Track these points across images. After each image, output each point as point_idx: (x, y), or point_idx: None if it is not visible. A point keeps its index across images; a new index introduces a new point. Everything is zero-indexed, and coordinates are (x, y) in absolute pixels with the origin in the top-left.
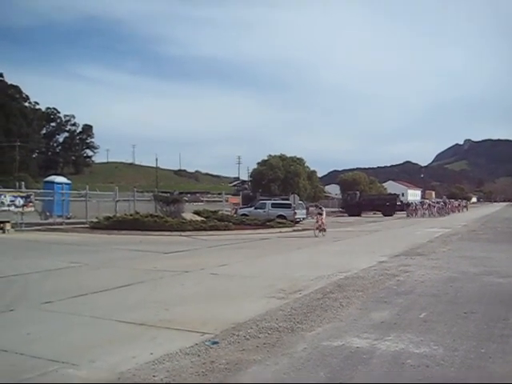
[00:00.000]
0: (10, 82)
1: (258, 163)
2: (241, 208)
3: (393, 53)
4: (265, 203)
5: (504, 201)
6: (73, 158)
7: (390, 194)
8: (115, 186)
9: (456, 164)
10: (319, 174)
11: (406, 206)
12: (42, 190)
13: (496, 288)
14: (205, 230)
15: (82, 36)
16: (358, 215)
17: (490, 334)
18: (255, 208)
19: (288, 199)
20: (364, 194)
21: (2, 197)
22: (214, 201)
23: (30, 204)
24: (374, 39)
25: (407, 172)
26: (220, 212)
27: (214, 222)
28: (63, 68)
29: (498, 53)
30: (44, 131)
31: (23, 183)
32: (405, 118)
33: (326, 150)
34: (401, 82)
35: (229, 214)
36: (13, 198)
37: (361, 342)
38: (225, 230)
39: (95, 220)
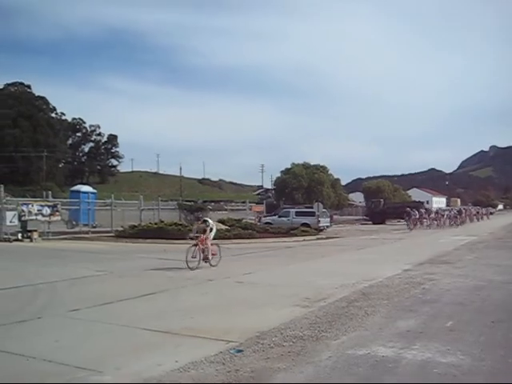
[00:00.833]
0: (37, 94)
1: (282, 171)
2: (264, 216)
3: (414, 58)
4: (289, 211)
5: None
6: (98, 167)
7: (415, 202)
8: (140, 195)
9: (481, 171)
10: (343, 182)
11: (406, 215)
12: (68, 200)
13: None
14: (229, 238)
15: (106, 48)
16: (383, 223)
17: None
18: (279, 216)
19: (312, 207)
20: (388, 201)
21: (30, 206)
22: (237, 209)
23: (57, 213)
24: (394, 45)
25: (432, 179)
26: (244, 220)
27: (238, 231)
28: (88, 79)
29: None
30: (70, 141)
31: (50, 193)
32: (430, 125)
33: (350, 157)
34: (424, 88)
35: (253, 222)
36: (40, 208)
37: (386, 350)
38: (249, 238)
39: (120, 229)
